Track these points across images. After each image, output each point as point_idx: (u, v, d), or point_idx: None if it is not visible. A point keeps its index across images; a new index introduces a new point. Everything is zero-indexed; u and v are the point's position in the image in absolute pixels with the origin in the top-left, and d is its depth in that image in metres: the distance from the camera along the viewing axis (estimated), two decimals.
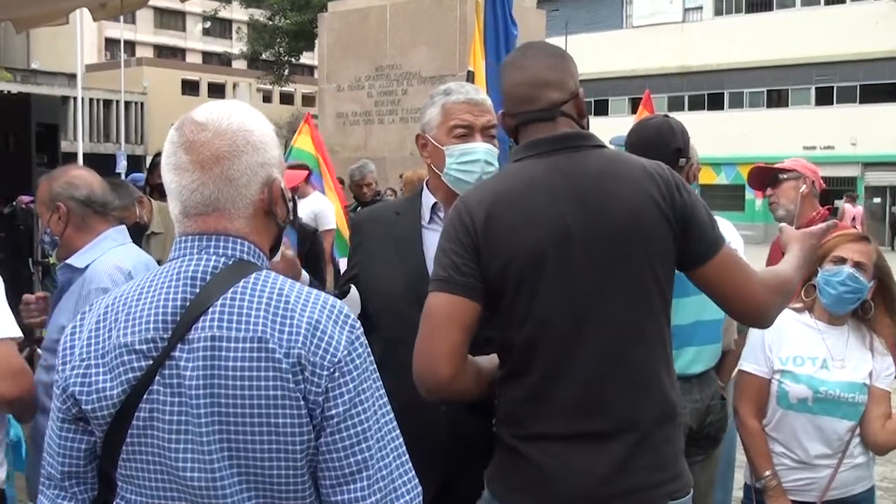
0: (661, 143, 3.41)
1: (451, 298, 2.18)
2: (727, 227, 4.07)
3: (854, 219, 26.71)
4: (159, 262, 3.84)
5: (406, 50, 12.95)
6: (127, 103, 47.30)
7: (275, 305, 1.64)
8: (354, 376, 1.65)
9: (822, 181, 4.49)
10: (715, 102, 38.43)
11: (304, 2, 33.99)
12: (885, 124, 33.62)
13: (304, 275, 2.82)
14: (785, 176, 4.38)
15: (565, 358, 2.17)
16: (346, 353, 1.64)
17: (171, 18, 65.23)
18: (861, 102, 36.15)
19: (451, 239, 2.23)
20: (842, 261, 3.18)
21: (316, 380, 1.61)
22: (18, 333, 2.85)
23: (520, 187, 2.23)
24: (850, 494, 3.21)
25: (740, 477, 4.29)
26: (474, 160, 2.71)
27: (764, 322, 2.42)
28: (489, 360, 2.33)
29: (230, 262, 1.70)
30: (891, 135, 32.74)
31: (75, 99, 29.01)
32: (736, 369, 3.56)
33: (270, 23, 37.56)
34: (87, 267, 3.12)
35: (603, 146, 2.33)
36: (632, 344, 2.19)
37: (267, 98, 54.69)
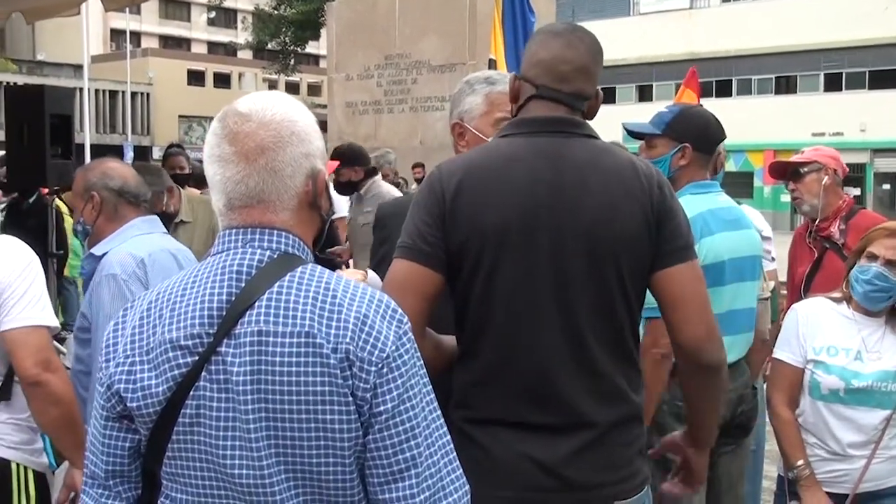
0: (712, 132, 3.37)
1: (413, 266, 2.14)
2: (755, 214, 4.04)
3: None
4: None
5: (416, 38, 12.91)
6: (133, 94, 47.46)
7: (322, 299, 1.62)
8: (403, 372, 1.62)
9: (844, 166, 4.42)
10: (723, 89, 38.20)
11: None
12: (895, 110, 33.44)
13: (371, 274, 2.72)
14: (806, 169, 4.30)
15: (517, 345, 2.13)
16: (394, 348, 1.61)
17: (176, 9, 65.15)
18: (870, 88, 35.93)
19: (420, 205, 2.19)
20: (873, 257, 3.13)
21: (364, 376, 1.58)
22: (55, 323, 2.85)
23: (496, 163, 2.18)
24: (885, 487, 3.16)
25: (771, 469, 4.27)
26: None
27: (693, 356, 2.22)
28: (449, 339, 2.29)
29: (275, 256, 1.67)
30: None
31: (81, 90, 29.02)
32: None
33: (276, 12, 37.51)
34: (104, 255, 3.14)
35: (595, 137, 2.28)
36: (589, 341, 2.14)
37: (272, 88, 54.53)
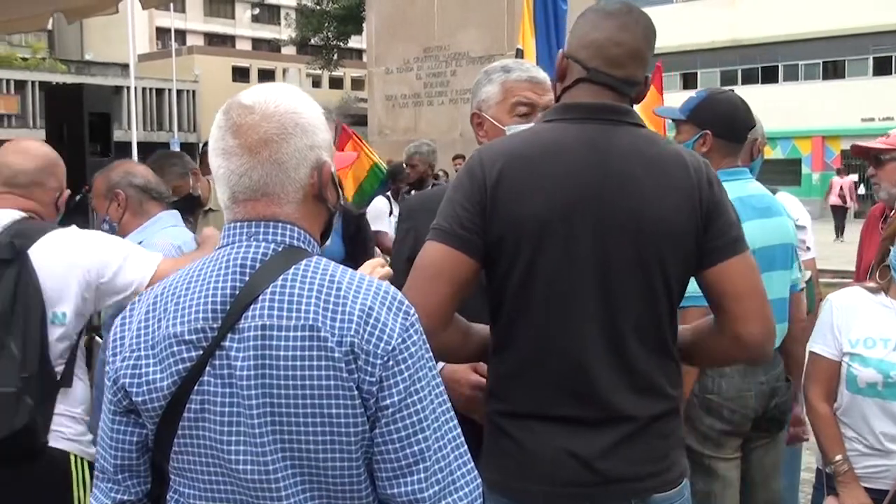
0: (739, 118, 3.29)
1: (448, 251, 2.07)
2: (792, 202, 3.95)
3: (841, 188, 26.22)
4: None
5: (454, 30, 12.89)
6: (179, 91, 47.94)
7: (326, 292, 1.60)
8: (409, 364, 1.59)
9: None
10: (769, 76, 37.71)
11: None
12: None
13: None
14: (887, 157, 4.13)
15: (555, 337, 2.07)
16: (400, 340, 1.59)
17: (220, 6, 65.70)
18: None
19: (459, 189, 2.11)
20: None
21: (370, 369, 1.56)
22: (160, 259, 2.93)
23: (541, 151, 2.11)
24: None
25: (811, 461, 4.18)
26: None
27: (752, 351, 2.17)
28: (480, 328, 2.24)
29: (280, 249, 1.65)
30: None
31: (128, 88, 29.37)
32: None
33: (318, 7, 37.67)
34: (139, 244, 3.16)
35: (641, 125, 2.21)
36: (628, 335, 2.08)
37: (316, 83, 54.87)
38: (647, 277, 2.08)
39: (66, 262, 2.75)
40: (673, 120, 3.32)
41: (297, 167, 1.67)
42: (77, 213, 7.62)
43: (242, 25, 66.88)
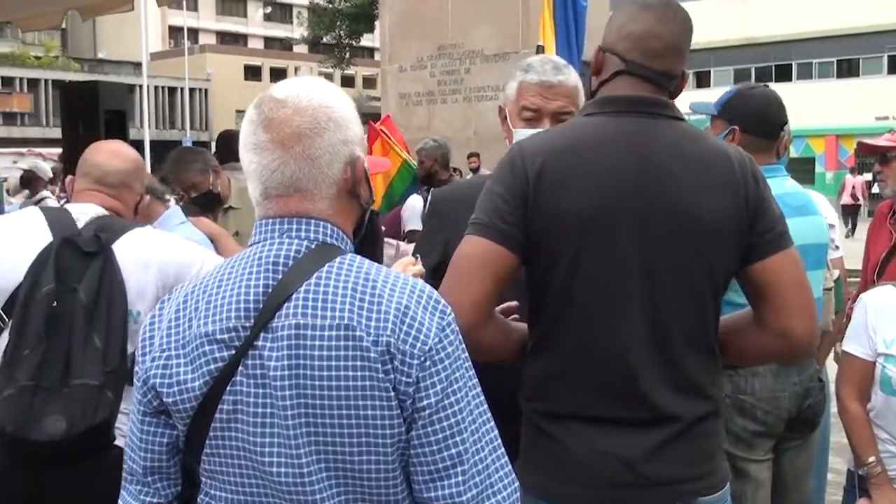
0: (771, 114, 3.25)
1: (489, 245, 2.01)
2: (821, 200, 3.89)
3: (854, 187, 26.14)
4: (236, 235, 3.94)
5: (468, 28, 12.81)
6: (191, 90, 48.10)
7: (361, 290, 1.56)
8: (447, 365, 1.55)
9: None
10: (782, 74, 37.56)
11: None
12: None
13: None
14: (894, 154, 4.09)
15: (598, 336, 2.02)
16: (437, 340, 1.55)
17: (232, 5, 65.80)
18: None
19: (499, 183, 2.06)
20: None
21: (406, 369, 1.52)
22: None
23: (583, 144, 2.06)
24: None
25: (836, 461, 4.13)
26: None
27: (798, 346, 2.12)
28: (519, 325, 2.20)
29: (313, 246, 1.61)
30: None
31: (141, 87, 29.42)
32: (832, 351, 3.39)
33: (330, 6, 37.67)
34: None
35: (682, 119, 2.16)
36: (674, 334, 2.03)
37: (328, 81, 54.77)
38: (692, 274, 2.03)
39: (147, 260, 2.75)
40: (708, 115, 3.28)
41: (330, 162, 1.63)
42: None
43: (255, 24, 66.97)
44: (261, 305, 1.56)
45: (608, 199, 2.00)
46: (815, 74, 37.65)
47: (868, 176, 28.58)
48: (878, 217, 4.24)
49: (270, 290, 1.57)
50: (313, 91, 1.65)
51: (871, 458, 3.00)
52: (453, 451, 1.54)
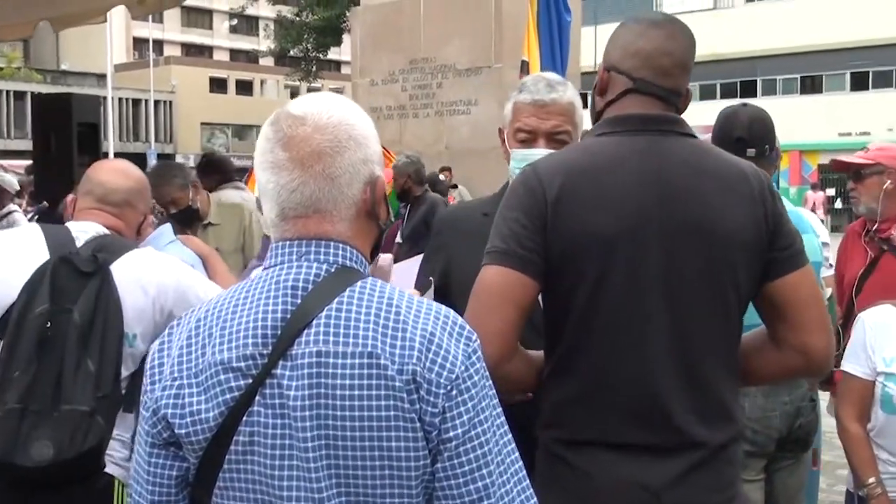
0: (726, 130, 3.31)
1: (510, 273, 1.96)
2: (813, 220, 3.89)
3: (814, 203, 26.63)
4: (218, 251, 3.87)
5: (440, 42, 12.80)
6: (156, 102, 47.72)
7: (384, 317, 1.50)
8: (473, 394, 1.49)
9: None
10: (747, 90, 37.85)
11: None
12: None
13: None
14: (867, 171, 4.12)
15: (624, 361, 1.97)
16: (463, 368, 1.49)
17: (198, 17, 65.42)
18: None
19: (515, 207, 2.00)
20: None
21: (432, 399, 1.46)
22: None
23: (600, 164, 2.01)
24: None
25: (833, 482, 4.11)
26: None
27: (818, 363, 2.09)
28: (538, 354, 2.14)
29: (333, 270, 1.55)
30: None
31: (105, 98, 29.16)
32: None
33: (298, 19, 37.52)
34: None
35: (694, 136, 2.13)
36: (702, 356, 1.99)
37: (294, 95, 54.57)
38: (718, 292, 1.99)
39: (146, 282, 2.68)
40: None
41: (350, 182, 1.57)
42: (62, 222, 7.51)
43: (220, 36, 66.63)
44: (279, 332, 1.50)
45: (631, 220, 1.96)
46: (779, 90, 38.06)
47: (830, 192, 29.00)
48: (850, 235, 4.26)
49: (289, 316, 1.51)
50: (333, 108, 1.59)
51: (872, 479, 2.97)
52: (479, 483, 1.48)
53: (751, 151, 3.22)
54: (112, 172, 2.92)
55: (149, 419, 1.57)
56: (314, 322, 1.49)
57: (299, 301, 1.52)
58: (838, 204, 29.33)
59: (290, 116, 1.58)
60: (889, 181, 3.96)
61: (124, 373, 2.63)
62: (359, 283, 1.54)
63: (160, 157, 39.12)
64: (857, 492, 3.08)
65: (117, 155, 27.11)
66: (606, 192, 1.98)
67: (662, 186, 1.98)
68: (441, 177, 8.59)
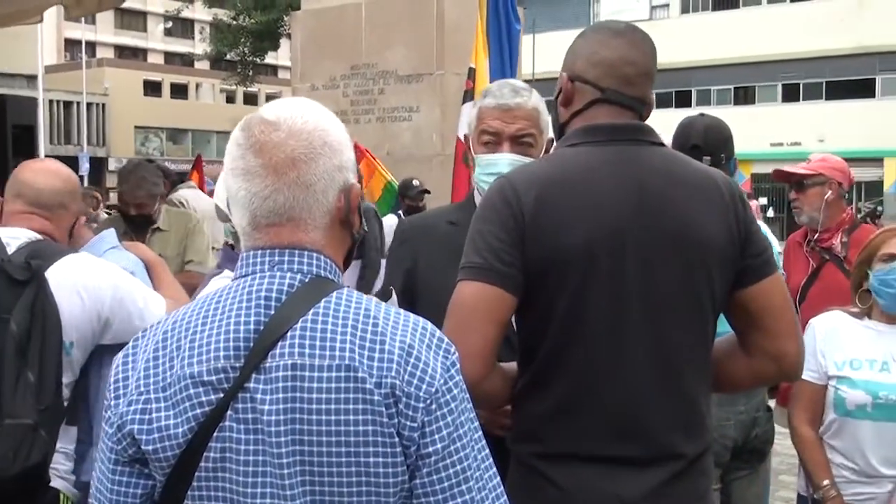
0: (683, 138, 3.35)
1: (488, 289, 1.92)
2: (766, 228, 3.93)
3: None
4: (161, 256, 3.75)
5: (382, 48, 12.70)
6: (88, 105, 46.75)
7: (362, 328, 1.45)
8: (453, 408, 1.46)
9: (852, 177, 4.33)
10: (682, 100, 38.36)
11: (268, 1, 33.62)
12: (852, 121, 33.83)
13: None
14: (809, 182, 4.20)
15: (600, 371, 1.95)
16: (442, 382, 1.46)
17: (132, 19, 64.35)
18: (827, 99, 36.39)
19: (490, 221, 1.96)
20: (892, 258, 3.02)
21: (411, 413, 1.43)
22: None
23: (575, 175, 1.99)
24: None
25: (775, 487, 4.15)
26: (496, 172, 2.46)
27: (792, 367, 2.12)
28: (510, 366, 2.11)
29: (307, 280, 1.50)
30: (857, 132, 32.92)
31: (36, 100, 28.49)
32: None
33: (234, 23, 37.15)
34: None
35: (663, 144, 2.13)
36: (681, 366, 1.98)
37: (230, 99, 54.10)
38: (697, 302, 1.99)
39: (81, 288, 2.58)
40: None
41: (325, 190, 1.53)
42: None
43: (155, 39, 65.63)
44: (252, 344, 1.45)
45: (610, 230, 1.94)
46: (713, 101, 38.67)
47: (763, 201, 29.48)
48: (791, 246, 4.35)
49: (262, 328, 1.46)
50: (307, 113, 1.55)
51: (826, 482, 3.01)
52: (459, 500, 1.45)
53: (706, 159, 3.24)
54: (42, 173, 2.79)
55: (113, 435, 1.50)
56: (289, 334, 1.45)
57: (272, 312, 1.47)
58: (770, 213, 29.85)
59: (262, 122, 1.53)
60: (830, 192, 4.05)
61: (64, 381, 2.54)
62: (334, 294, 1.50)
63: (92, 160, 38.40)
64: (811, 495, 3.10)
65: (49, 158, 26.52)
66: (583, 202, 1.96)
67: (641, 195, 1.97)
68: (415, 182, 8.43)
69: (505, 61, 5.28)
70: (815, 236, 4.17)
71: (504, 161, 2.51)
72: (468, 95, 5.19)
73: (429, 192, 10.18)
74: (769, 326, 2.05)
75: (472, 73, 5.32)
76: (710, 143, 3.40)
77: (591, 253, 1.92)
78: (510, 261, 1.92)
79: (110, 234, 3.39)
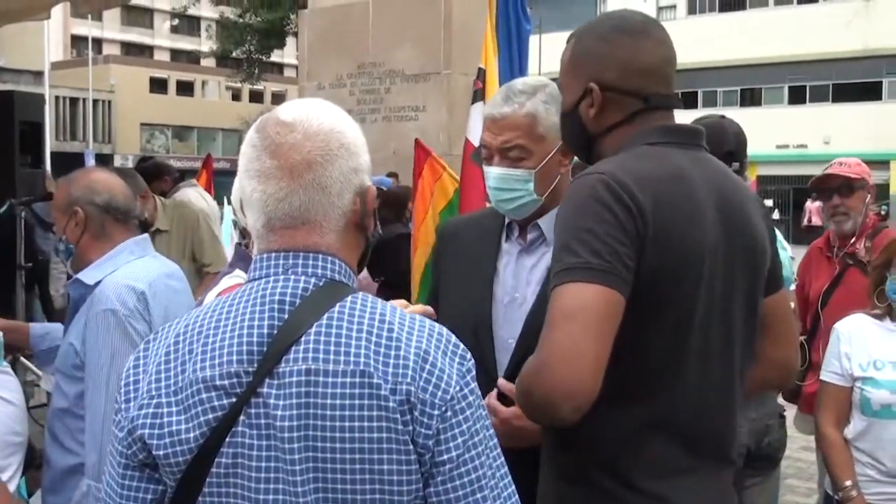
0: (713, 143, 3.25)
1: (611, 294, 1.70)
2: (779, 233, 3.91)
3: None
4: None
5: (389, 47, 12.69)
6: (94, 101, 46.83)
7: (377, 334, 1.43)
8: (468, 415, 1.44)
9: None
10: (689, 101, 38.31)
11: None
12: (857, 123, 33.78)
13: None
14: (858, 185, 4.06)
15: (694, 381, 1.84)
16: (458, 388, 1.44)
17: (138, 16, 64.41)
18: (833, 101, 36.36)
19: (605, 221, 1.73)
20: None
21: (426, 420, 1.40)
22: None
23: (675, 176, 1.84)
24: None
25: (783, 491, 4.13)
26: (488, 186, 2.41)
27: (790, 376, 2.19)
28: None
29: (321, 284, 1.48)
30: (862, 133, 32.88)
31: (42, 97, 28.54)
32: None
33: (240, 20, 37.16)
34: (97, 284, 2.80)
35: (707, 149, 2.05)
36: (740, 378, 1.96)
37: (236, 96, 54.15)
38: (753, 315, 1.97)
39: None
40: None
41: (340, 192, 1.51)
42: (1, 225, 7.27)
43: (161, 36, 65.69)
44: (265, 348, 1.43)
45: (710, 234, 1.85)
46: (719, 102, 38.59)
47: (769, 203, 29.41)
48: (813, 253, 4.31)
49: (276, 332, 1.44)
50: (323, 114, 1.53)
51: (848, 482, 3.09)
52: None
53: (735, 165, 3.23)
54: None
55: (123, 439, 1.48)
56: (303, 339, 1.43)
57: (286, 316, 1.45)
58: (776, 215, 29.84)
59: (277, 122, 1.51)
60: (869, 195, 4.00)
61: None
62: (349, 298, 1.47)
63: (98, 157, 38.40)
64: (835, 494, 3.14)
65: (54, 155, 26.56)
66: (691, 204, 1.83)
67: (723, 202, 1.90)
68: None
69: (514, 62, 5.25)
70: (849, 242, 4.08)
71: (491, 175, 2.39)
72: (477, 96, 5.15)
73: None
74: (780, 334, 2.06)
75: (481, 74, 5.28)
76: (741, 149, 3.39)
77: (699, 259, 1.81)
78: (631, 265, 1.74)
79: (132, 245, 3.01)
